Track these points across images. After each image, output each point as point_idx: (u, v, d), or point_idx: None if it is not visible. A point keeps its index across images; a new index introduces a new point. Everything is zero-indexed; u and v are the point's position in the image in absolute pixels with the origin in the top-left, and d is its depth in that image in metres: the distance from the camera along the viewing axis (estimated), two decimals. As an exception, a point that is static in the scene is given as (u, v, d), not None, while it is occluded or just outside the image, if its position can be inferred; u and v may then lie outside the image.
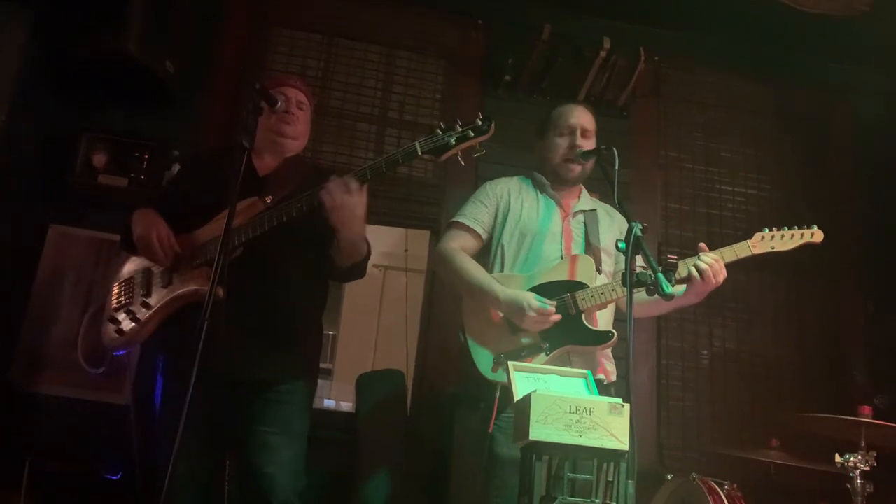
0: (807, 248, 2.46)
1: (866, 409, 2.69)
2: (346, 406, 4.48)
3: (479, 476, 2.48)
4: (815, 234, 2.45)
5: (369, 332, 5.58)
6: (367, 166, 2.20)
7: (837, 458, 2.64)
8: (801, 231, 2.45)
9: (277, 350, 2.27)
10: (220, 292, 1.90)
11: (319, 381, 2.58)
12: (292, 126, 2.45)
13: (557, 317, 2.38)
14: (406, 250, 4.73)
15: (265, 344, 2.25)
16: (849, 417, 2.65)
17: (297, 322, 2.36)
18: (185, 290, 2.25)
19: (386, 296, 5.50)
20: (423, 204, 3.83)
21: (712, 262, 2.37)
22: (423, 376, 3.64)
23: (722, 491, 2.75)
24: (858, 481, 2.58)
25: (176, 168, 3.36)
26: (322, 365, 3.20)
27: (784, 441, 3.07)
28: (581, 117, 2.68)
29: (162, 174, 3.41)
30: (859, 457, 2.60)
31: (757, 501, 2.81)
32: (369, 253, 2.41)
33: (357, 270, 2.42)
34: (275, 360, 2.26)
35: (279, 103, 2.27)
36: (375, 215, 2.27)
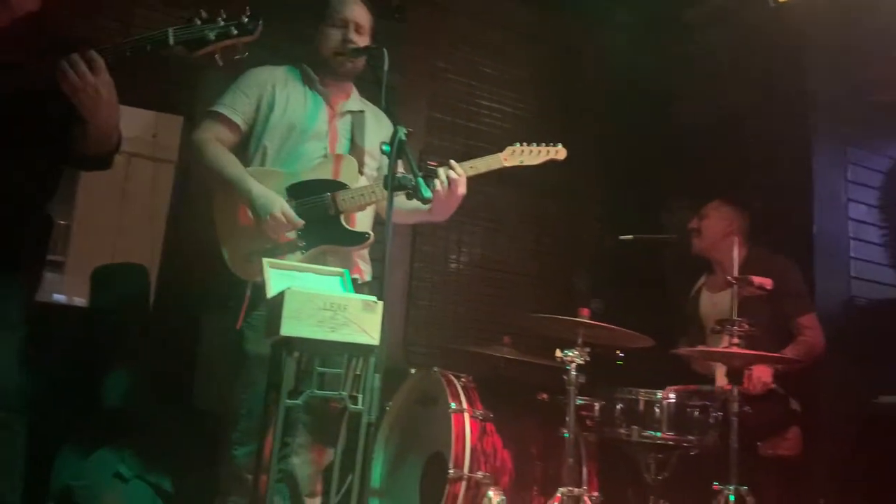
0: (551, 164, 2.69)
1: (585, 312, 3.02)
2: (80, 301, 4.11)
3: (224, 374, 2.44)
4: (560, 152, 2.70)
5: (109, 224, 5.10)
6: (108, 46, 1.95)
7: (558, 353, 2.95)
8: (547, 148, 2.69)
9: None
10: None
11: (49, 275, 2.32)
12: None
13: (300, 222, 2.37)
14: (155, 136, 4.33)
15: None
16: (570, 318, 2.96)
17: (15, 209, 2.06)
18: None
19: (130, 185, 5.04)
20: (176, 86, 3.52)
21: (462, 174, 2.48)
22: (170, 273, 3.45)
23: (458, 382, 2.99)
24: (573, 373, 2.92)
25: None
26: (51, 257, 2.89)
27: (516, 339, 3.40)
28: (356, 12, 2.61)
29: None
30: (577, 352, 2.93)
31: (488, 391, 3.08)
32: (119, 143, 2.19)
33: (103, 162, 2.20)
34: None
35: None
36: (119, 94, 2.03)
